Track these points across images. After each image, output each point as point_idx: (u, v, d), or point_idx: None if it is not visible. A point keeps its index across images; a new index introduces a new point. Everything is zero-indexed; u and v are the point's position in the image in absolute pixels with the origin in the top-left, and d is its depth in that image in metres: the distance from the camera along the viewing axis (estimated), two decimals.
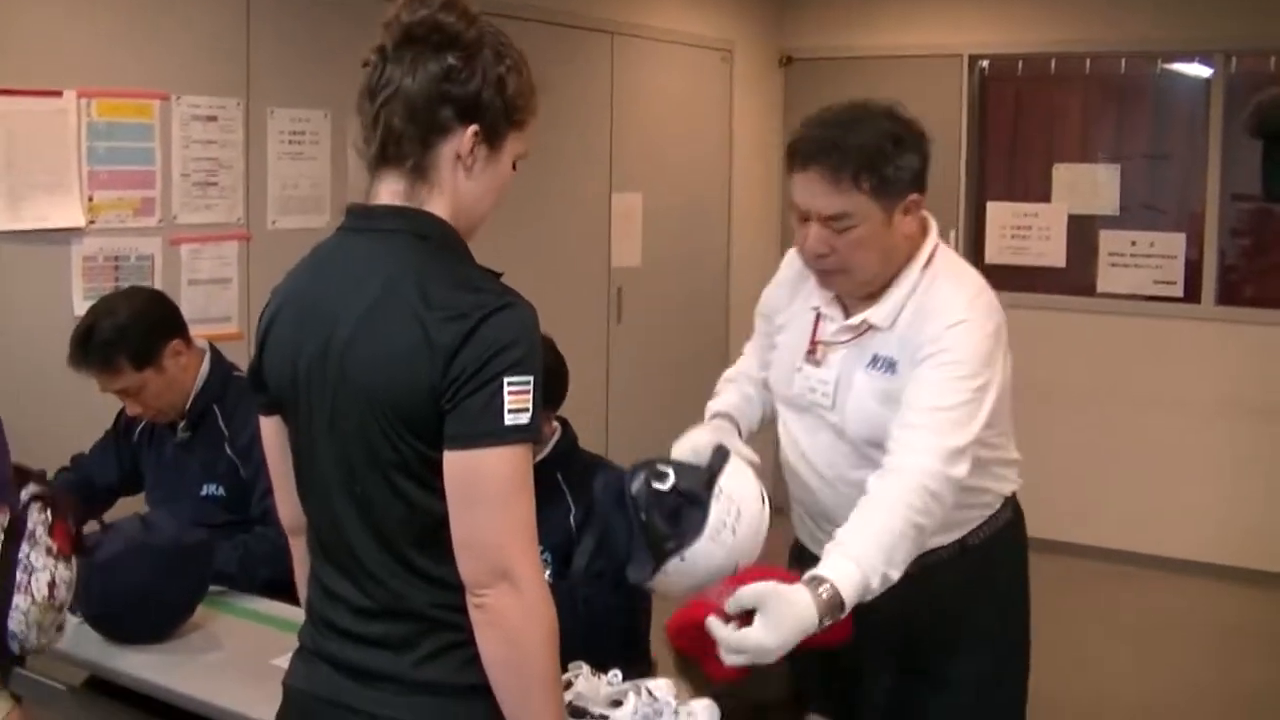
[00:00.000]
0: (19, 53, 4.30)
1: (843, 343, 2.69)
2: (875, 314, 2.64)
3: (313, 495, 2.10)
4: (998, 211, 7.46)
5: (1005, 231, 7.43)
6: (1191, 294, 7.03)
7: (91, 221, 4.51)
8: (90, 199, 4.51)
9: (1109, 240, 7.22)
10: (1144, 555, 6.94)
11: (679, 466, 2.49)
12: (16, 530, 2.71)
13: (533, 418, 1.91)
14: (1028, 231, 7.31)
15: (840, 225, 2.56)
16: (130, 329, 3.43)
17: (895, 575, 2.40)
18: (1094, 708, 5.09)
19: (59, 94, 4.40)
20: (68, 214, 4.44)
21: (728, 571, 2.43)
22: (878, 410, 2.60)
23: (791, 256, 2.87)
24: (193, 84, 4.79)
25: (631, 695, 2.45)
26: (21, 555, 2.70)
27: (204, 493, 3.52)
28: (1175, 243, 7.09)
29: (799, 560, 2.73)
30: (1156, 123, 7.57)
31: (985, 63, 7.60)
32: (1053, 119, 7.77)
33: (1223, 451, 6.56)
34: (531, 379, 1.90)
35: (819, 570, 2.35)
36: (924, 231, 2.69)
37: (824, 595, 2.29)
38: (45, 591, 2.71)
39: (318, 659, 2.10)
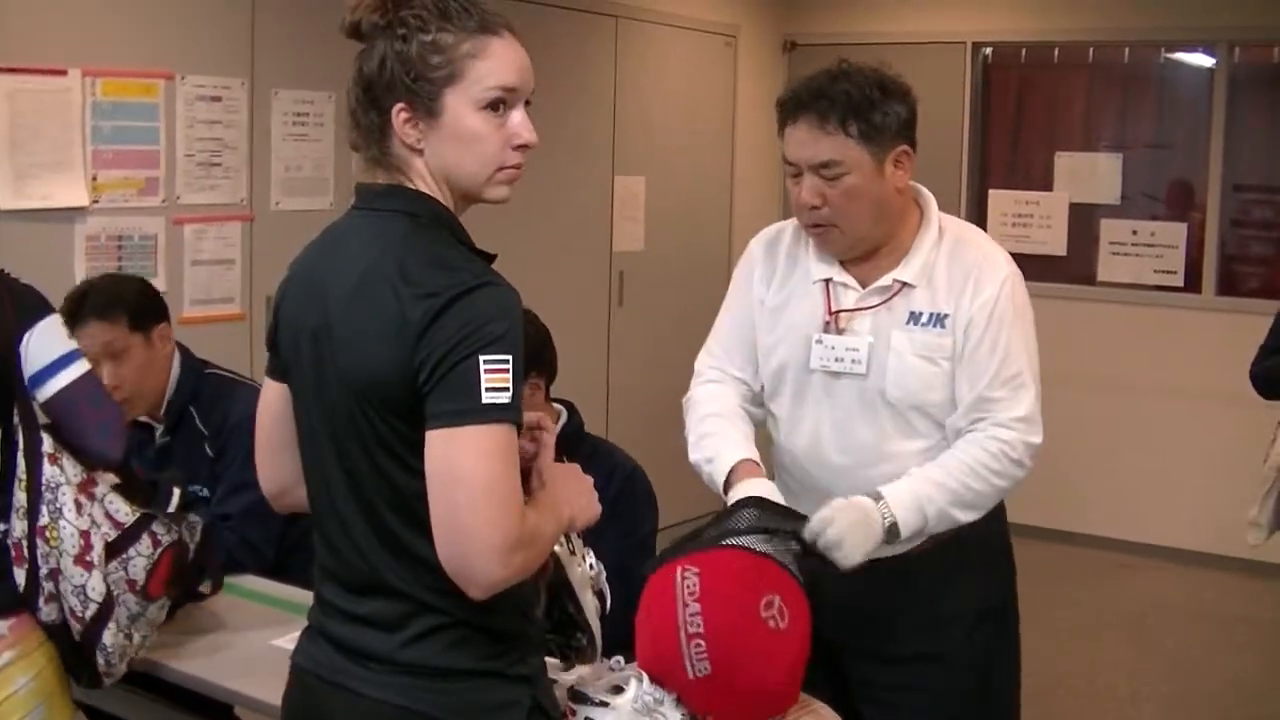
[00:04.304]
0: (24, 31, 4.30)
1: (870, 308, 2.67)
2: (905, 273, 2.65)
3: (311, 469, 2.13)
4: (999, 199, 7.46)
5: (1006, 219, 7.42)
6: (1192, 284, 7.04)
7: (95, 201, 4.51)
8: (94, 178, 4.51)
9: (1110, 229, 7.22)
10: (1141, 544, 6.96)
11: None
12: (122, 544, 2.67)
13: (513, 398, 1.88)
14: (1029, 219, 7.31)
15: (831, 173, 2.57)
16: (130, 291, 3.46)
17: (963, 518, 2.52)
18: (1087, 695, 5.10)
19: (64, 73, 4.39)
20: (72, 193, 4.45)
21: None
22: (923, 368, 2.62)
23: (767, 239, 2.86)
24: (198, 64, 4.79)
25: (634, 681, 2.45)
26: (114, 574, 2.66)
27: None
28: (1176, 232, 7.10)
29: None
30: (1159, 112, 7.56)
31: (988, 50, 7.59)
32: (1055, 107, 7.77)
33: (1222, 442, 6.55)
34: (510, 358, 1.88)
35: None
36: (918, 200, 2.72)
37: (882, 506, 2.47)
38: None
39: (320, 638, 2.12)
